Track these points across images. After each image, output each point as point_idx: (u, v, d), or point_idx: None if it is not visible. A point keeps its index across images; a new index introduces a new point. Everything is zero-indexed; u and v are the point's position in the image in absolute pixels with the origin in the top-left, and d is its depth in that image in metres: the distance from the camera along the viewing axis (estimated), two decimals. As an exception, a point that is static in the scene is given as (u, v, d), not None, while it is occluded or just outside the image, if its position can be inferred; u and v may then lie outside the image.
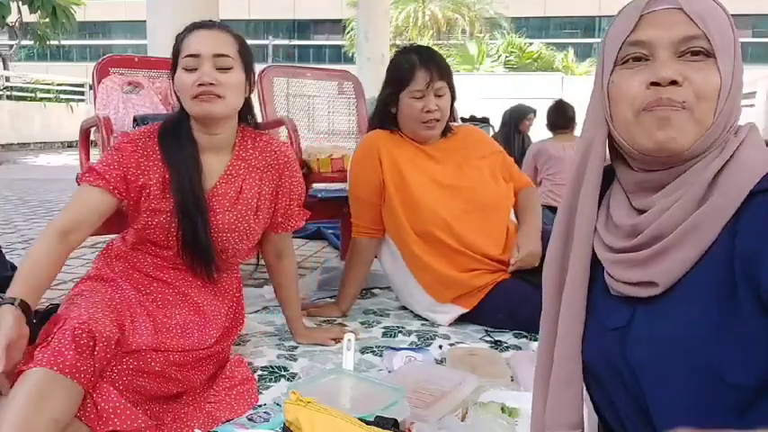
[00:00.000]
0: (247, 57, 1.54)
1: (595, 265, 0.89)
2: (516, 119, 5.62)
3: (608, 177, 0.90)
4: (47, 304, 2.05)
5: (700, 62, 0.78)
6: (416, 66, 2.03)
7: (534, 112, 5.70)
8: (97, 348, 1.19)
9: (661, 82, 0.78)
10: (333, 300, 2.31)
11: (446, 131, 2.17)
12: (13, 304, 1.19)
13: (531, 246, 2.03)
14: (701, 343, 0.76)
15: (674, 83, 0.77)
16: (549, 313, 0.94)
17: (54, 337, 1.17)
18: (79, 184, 1.49)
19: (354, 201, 2.18)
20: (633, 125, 0.81)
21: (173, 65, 1.51)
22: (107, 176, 1.44)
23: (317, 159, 2.40)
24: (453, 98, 2.12)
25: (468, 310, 2.07)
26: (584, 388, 0.92)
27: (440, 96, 2.05)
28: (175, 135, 1.51)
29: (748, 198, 0.75)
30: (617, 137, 0.85)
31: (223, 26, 1.55)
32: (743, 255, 0.73)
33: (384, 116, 2.13)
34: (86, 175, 1.46)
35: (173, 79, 1.51)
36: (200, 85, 1.44)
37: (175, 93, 1.53)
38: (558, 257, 0.92)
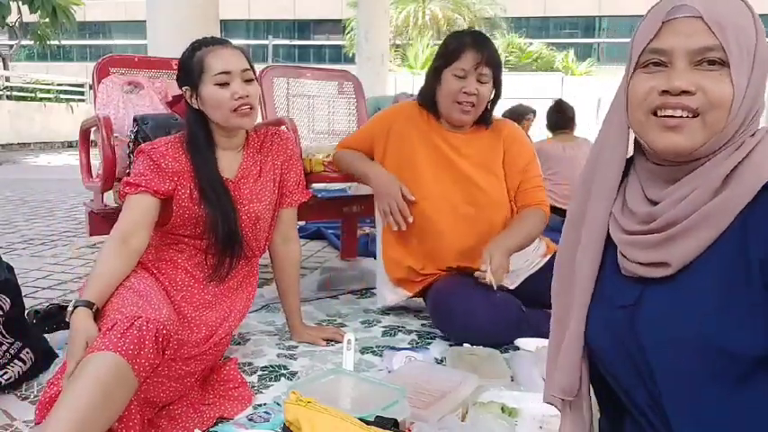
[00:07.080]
0: (254, 68, 1.70)
1: (607, 247, 0.92)
2: (515, 119, 5.59)
3: (626, 167, 0.94)
4: (47, 305, 2.06)
5: (715, 72, 0.81)
6: (467, 45, 1.96)
7: (534, 112, 5.68)
8: (167, 352, 1.30)
9: (672, 91, 0.81)
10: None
11: (481, 121, 2.09)
12: (90, 308, 1.34)
13: (497, 255, 1.84)
14: (708, 320, 0.79)
15: (686, 92, 0.81)
16: (562, 287, 0.98)
17: (136, 331, 1.23)
18: (122, 200, 1.62)
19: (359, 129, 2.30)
20: (644, 124, 0.86)
21: (191, 81, 1.64)
22: (143, 182, 1.58)
23: (310, 159, 2.40)
24: (498, 95, 2.05)
25: (411, 295, 2.13)
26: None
27: (482, 83, 1.98)
28: (201, 142, 1.67)
29: (762, 191, 0.78)
30: (633, 131, 0.90)
31: (228, 41, 1.69)
32: (760, 244, 0.77)
33: (427, 92, 2.08)
34: (125, 188, 1.60)
35: (194, 94, 1.64)
36: (238, 98, 1.60)
37: (190, 103, 1.66)
38: (573, 237, 0.96)
